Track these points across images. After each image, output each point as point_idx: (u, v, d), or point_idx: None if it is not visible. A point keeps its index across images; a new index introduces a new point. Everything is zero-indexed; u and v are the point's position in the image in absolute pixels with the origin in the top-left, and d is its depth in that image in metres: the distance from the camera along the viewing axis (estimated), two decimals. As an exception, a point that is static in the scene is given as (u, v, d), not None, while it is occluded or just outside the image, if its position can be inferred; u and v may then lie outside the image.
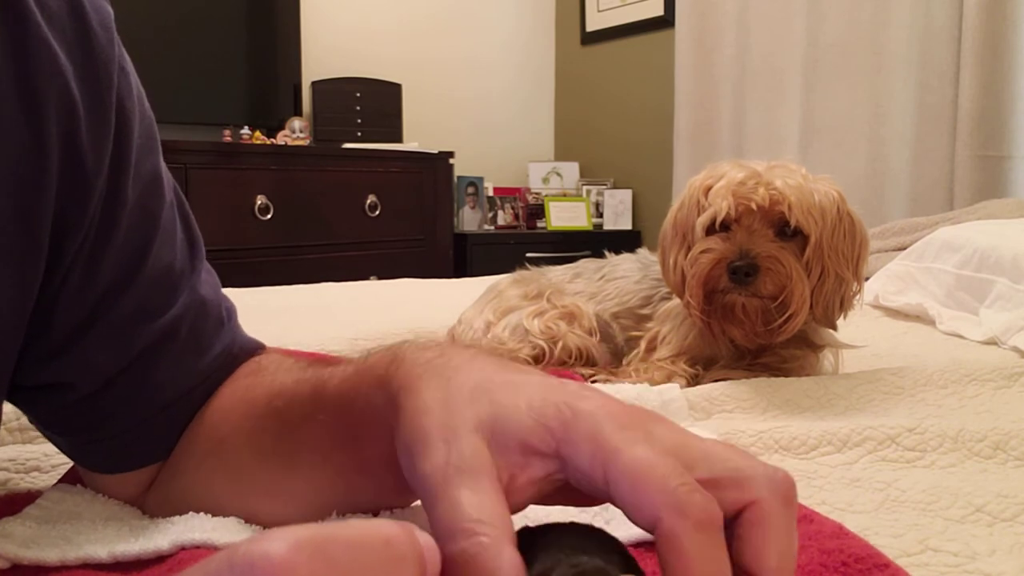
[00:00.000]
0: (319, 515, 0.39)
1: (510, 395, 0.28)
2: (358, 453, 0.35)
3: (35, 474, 0.53)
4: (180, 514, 0.42)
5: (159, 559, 0.38)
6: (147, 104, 0.43)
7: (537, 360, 0.93)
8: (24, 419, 0.61)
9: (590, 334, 0.96)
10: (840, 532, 0.39)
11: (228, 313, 0.47)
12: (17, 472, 0.53)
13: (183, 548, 0.38)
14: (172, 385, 0.43)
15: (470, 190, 3.15)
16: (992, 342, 1.06)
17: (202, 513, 0.42)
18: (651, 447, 0.25)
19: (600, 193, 3.30)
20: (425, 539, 0.21)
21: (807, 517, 0.42)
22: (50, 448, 0.56)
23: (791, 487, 0.26)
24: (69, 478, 0.48)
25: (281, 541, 0.18)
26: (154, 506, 0.45)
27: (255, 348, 0.48)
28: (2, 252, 0.35)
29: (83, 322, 0.40)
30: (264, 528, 0.41)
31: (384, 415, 0.31)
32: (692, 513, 0.23)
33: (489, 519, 0.23)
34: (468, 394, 0.28)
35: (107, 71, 0.39)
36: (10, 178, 0.35)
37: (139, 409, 0.43)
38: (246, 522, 0.41)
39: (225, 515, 0.41)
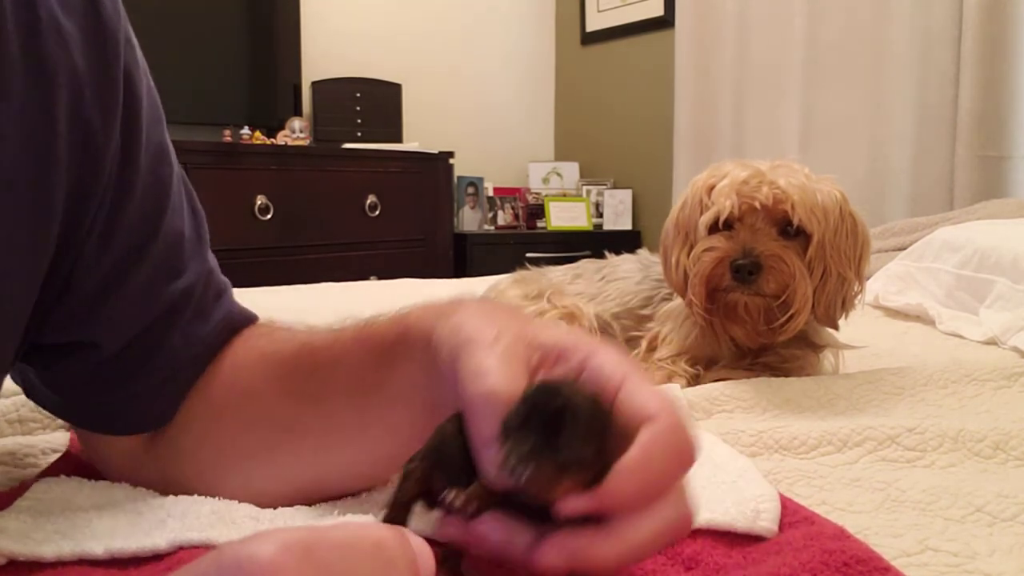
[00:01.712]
0: (336, 453, 0.42)
1: (547, 325, 0.35)
2: (384, 379, 0.39)
3: (31, 469, 0.53)
4: (183, 475, 0.44)
5: (155, 556, 0.38)
6: (151, 79, 0.44)
7: (537, 360, 0.93)
8: (23, 411, 0.61)
9: (590, 334, 0.96)
10: (841, 534, 0.39)
11: (224, 285, 0.50)
12: (16, 466, 0.53)
13: (181, 548, 0.38)
14: (184, 349, 0.45)
15: (470, 190, 3.15)
16: (992, 342, 1.06)
17: (197, 495, 0.43)
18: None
19: (600, 193, 3.30)
20: (418, 543, 0.21)
21: (808, 519, 0.42)
22: (50, 438, 0.56)
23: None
24: (52, 471, 0.48)
25: (269, 543, 0.18)
26: (153, 467, 0.46)
27: (252, 317, 0.51)
28: (17, 216, 0.36)
29: (109, 283, 0.42)
30: (266, 506, 0.43)
31: (425, 332, 0.36)
32: (682, 435, 0.29)
33: (506, 379, 0.29)
34: (511, 314, 0.34)
35: (114, 39, 0.40)
36: (22, 144, 0.36)
37: (155, 371, 0.44)
38: (250, 501, 0.43)
39: (236, 469, 0.43)
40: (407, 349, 0.38)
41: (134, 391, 0.45)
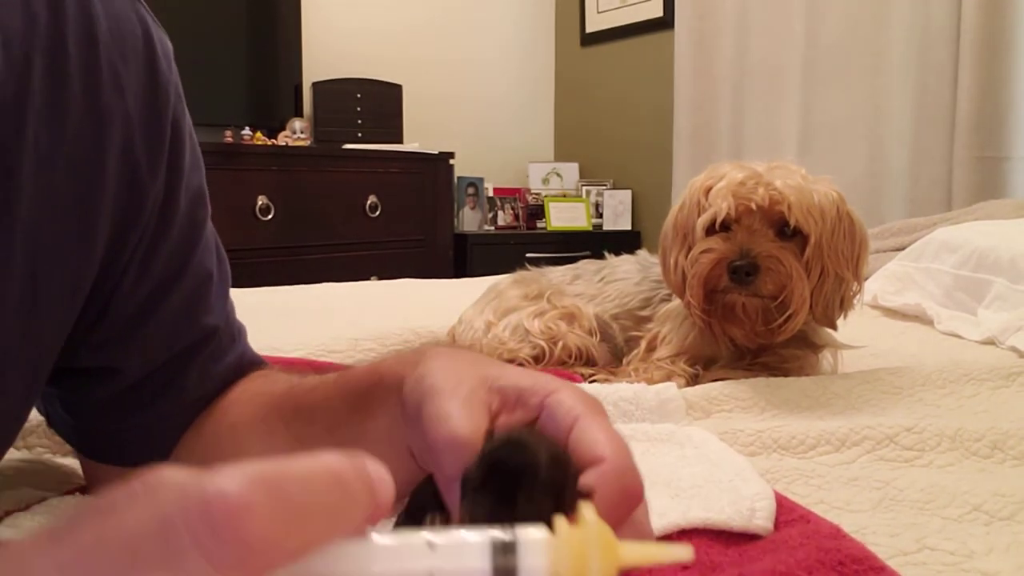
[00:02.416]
0: None
1: (506, 368, 0.36)
2: (362, 424, 0.40)
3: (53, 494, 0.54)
4: None
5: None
6: (193, 129, 0.49)
7: (537, 360, 0.94)
8: (31, 438, 0.62)
9: (590, 334, 0.97)
10: (837, 533, 0.39)
11: (239, 331, 0.53)
12: (40, 487, 0.53)
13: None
14: (197, 385, 0.48)
15: (470, 190, 3.15)
16: (990, 342, 1.06)
17: None
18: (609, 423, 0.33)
19: (600, 193, 3.30)
20: (376, 470, 0.20)
21: (804, 518, 0.42)
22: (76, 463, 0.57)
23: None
24: (71, 492, 0.49)
25: (234, 478, 0.17)
26: None
27: (260, 362, 0.54)
28: (65, 234, 0.40)
29: (141, 312, 0.45)
30: None
31: (396, 382, 0.37)
32: (629, 477, 0.30)
33: (467, 422, 0.31)
34: (473, 360, 0.35)
35: (165, 92, 0.46)
36: (71, 171, 0.40)
37: (167, 403, 0.47)
38: None
39: None
40: (383, 397, 0.40)
41: (144, 420, 0.47)
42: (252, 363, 0.53)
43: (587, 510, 0.22)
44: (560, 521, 0.21)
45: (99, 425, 0.48)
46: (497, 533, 0.20)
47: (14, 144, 0.37)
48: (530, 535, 0.20)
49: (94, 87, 0.41)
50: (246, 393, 0.49)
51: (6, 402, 0.41)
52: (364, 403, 0.41)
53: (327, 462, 0.19)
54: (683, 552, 0.21)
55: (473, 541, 0.20)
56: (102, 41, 0.41)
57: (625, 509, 0.30)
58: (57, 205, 0.39)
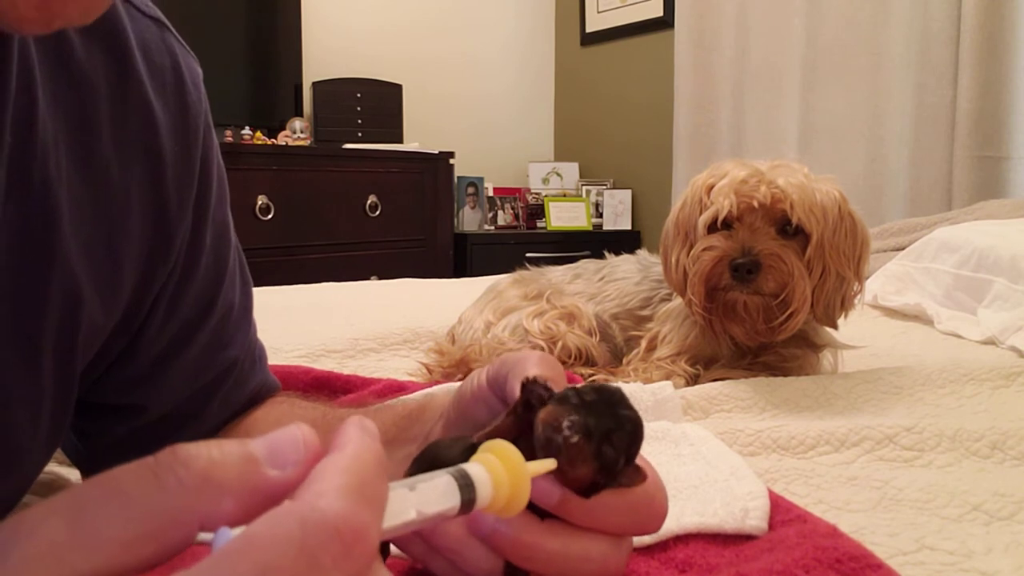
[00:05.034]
0: None
1: None
2: (403, 435, 0.41)
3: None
4: None
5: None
6: (220, 157, 0.48)
7: (537, 360, 0.93)
8: None
9: (590, 334, 0.96)
10: (834, 532, 0.39)
11: (260, 356, 0.53)
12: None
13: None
14: (219, 415, 0.48)
15: (470, 190, 3.15)
16: (990, 342, 1.06)
17: None
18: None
19: (600, 193, 3.30)
20: (371, 426, 0.23)
21: (801, 517, 0.42)
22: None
23: None
24: None
25: (341, 498, 0.19)
26: None
27: (277, 387, 0.55)
28: (94, 275, 0.39)
29: (170, 351, 0.45)
30: None
31: (446, 398, 0.38)
32: (659, 503, 0.32)
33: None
34: None
35: (195, 124, 0.44)
36: (102, 211, 0.39)
37: (189, 434, 0.47)
38: None
39: None
40: (425, 420, 0.41)
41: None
42: (271, 389, 0.54)
43: (503, 443, 0.27)
44: (486, 454, 0.26)
45: (113, 456, 0.47)
46: (452, 471, 0.25)
47: (55, 183, 0.36)
48: (475, 471, 0.25)
49: (121, 121, 0.40)
50: (270, 417, 0.50)
51: (37, 439, 0.39)
52: (407, 420, 0.42)
53: (369, 448, 0.21)
54: (550, 463, 0.28)
55: (441, 480, 0.25)
56: (134, 78, 0.40)
57: (639, 528, 0.33)
58: (87, 240, 0.38)
